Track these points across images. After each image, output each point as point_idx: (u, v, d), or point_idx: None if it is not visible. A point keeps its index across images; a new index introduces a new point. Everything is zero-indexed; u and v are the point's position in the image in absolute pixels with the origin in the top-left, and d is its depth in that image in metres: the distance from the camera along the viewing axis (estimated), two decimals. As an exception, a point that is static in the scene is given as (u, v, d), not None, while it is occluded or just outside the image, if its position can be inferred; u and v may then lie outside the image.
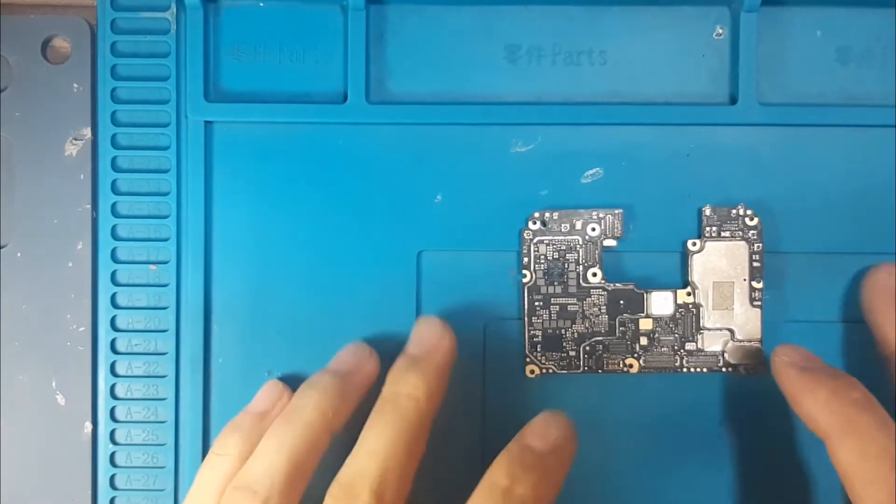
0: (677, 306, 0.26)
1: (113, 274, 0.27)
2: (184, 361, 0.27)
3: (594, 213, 0.26)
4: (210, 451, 0.24)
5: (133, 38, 0.27)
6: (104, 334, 0.27)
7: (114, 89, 0.27)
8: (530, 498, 0.21)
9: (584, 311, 0.26)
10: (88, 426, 0.27)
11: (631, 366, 0.26)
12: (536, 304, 0.26)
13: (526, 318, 0.26)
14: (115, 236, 0.27)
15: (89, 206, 0.27)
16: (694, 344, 0.26)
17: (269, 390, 0.25)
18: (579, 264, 0.26)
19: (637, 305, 0.26)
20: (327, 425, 0.23)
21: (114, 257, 0.27)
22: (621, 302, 0.26)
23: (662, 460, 0.27)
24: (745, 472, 0.27)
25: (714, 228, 0.26)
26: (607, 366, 0.26)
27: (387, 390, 0.24)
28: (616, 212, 0.26)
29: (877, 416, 0.21)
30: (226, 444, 0.24)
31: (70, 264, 0.27)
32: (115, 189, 0.27)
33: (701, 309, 0.26)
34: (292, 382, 0.25)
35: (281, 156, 0.27)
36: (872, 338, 0.25)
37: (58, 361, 0.27)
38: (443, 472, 0.25)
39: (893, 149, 0.26)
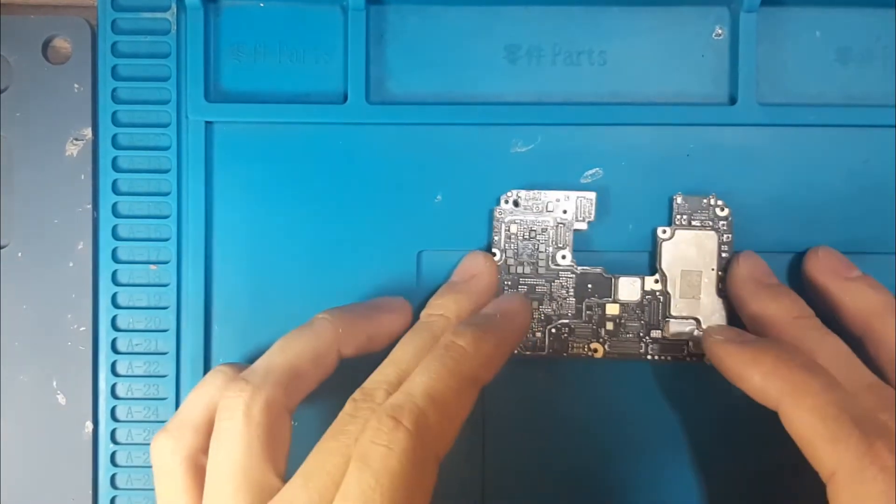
0: (644, 293, 0.26)
1: (114, 274, 0.27)
2: (184, 361, 0.27)
3: (567, 194, 0.26)
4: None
5: (133, 39, 0.27)
6: (105, 334, 0.27)
7: (114, 89, 0.27)
8: (471, 349, 0.22)
9: (551, 292, 0.26)
10: (89, 426, 0.27)
11: (595, 350, 0.26)
12: (505, 283, 0.26)
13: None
14: (115, 236, 0.27)
15: (90, 206, 0.27)
16: (659, 332, 0.26)
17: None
18: (549, 245, 0.26)
19: (605, 290, 0.26)
20: (336, 339, 0.23)
21: (114, 257, 0.27)
22: (589, 286, 0.26)
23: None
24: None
25: (684, 217, 0.26)
26: (572, 349, 0.26)
27: (423, 314, 0.25)
28: (589, 195, 0.26)
29: (825, 377, 0.21)
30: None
31: (71, 264, 0.27)
32: (115, 189, 0.27)
33: (668, 297, 0.26)
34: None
35: (281, 156, 0.27)
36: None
37: (58, 361, 0.27)
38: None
39: (893, 149, 0.26)
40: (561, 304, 0.26)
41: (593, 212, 0.26)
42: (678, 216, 0.26)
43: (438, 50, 0.27)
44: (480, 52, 0.27)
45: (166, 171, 0.27)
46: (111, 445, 0.27)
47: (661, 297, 0.26)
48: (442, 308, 0.25)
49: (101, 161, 0.27)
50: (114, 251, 0.27)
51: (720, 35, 0.27)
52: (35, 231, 0.27)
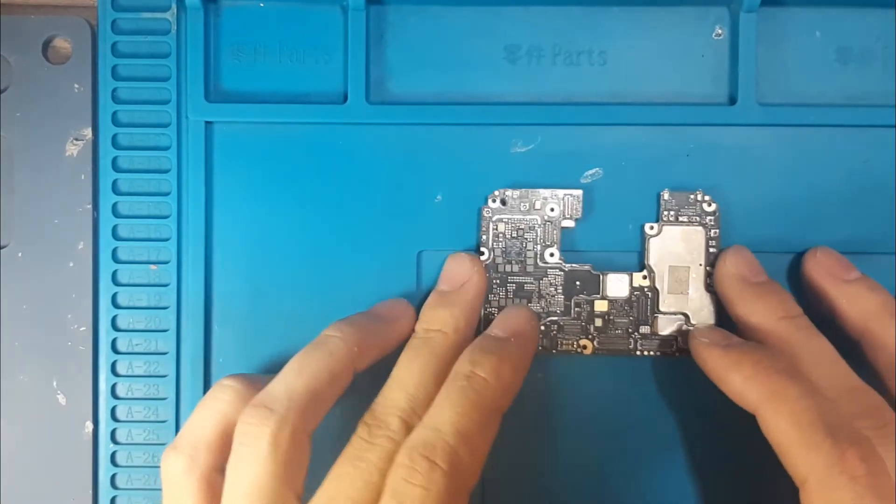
0: (633, 289, 0.26)
1: (114, 274, 0.27)
2: (184, 361, 0.27)
3: (554, 192, 0.26)
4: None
5: (134, 39, 0.27)
6: (105, 334, 0.27)
7: (114, 89, 0.27)
8: (492, 379, 0.22)
9: (540, 290, 0.26)
10: (89, 426, 0.27)
11: (585, 347, 0.26)
12: (494, 282, 0.26)
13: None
14: (115, 236, 0.27)
15: (90, 206, 0.27)
16: (648, 327, 0.26)
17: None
18: (537, 244, 0.26)
19: (593, 287, 0.26)
20: (351, 358, 0.23)
21: (115, 257, 0.27)
22: (577, 283, 0.26)
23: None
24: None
25: (672, 213, 0.26)
26: (561, 346, 0.26)
27: (418, 327, 0.25)
28: (576, 193, 0.26)
29: (803, 384, 0.21)
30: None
31: (71, 264, 0.27)
32: (115, 189, 0.27)
33: (657, 293, 0.26)
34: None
35: (281, 156, 0.27)
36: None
37: (59, 361, 0.27)
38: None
39: (893, 149, 0.26)
40: (549, 302, 0.26)
41: (580, 209, 0.26)
42: (665, 212, 0.26)
43: (438, 50, 0.27)
44: (480, 52, 0.27)
45: (166, 171, 0.27)
46: (111, 445, 0.27)
47: (650, 293, 0.26)
48: (439, 323, 0.24)
49: (101, 161, 0.27)
50: (114, 251, 0.27)
51: (720, 35, 0.27)
52: (35, 231, 0.27)
